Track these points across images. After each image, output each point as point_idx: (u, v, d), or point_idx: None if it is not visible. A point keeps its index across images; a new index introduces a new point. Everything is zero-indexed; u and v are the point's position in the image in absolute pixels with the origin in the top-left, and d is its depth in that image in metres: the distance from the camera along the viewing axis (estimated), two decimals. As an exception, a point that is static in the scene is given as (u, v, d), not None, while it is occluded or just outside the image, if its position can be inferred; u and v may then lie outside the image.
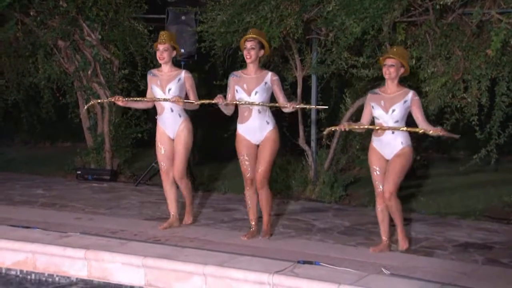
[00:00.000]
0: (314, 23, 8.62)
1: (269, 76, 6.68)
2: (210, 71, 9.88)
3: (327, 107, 7.84)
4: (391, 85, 6.33)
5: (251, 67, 6.71)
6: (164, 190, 7.31)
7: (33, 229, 6.95)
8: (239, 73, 6.81)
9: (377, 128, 6.33)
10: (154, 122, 7.35)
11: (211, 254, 6.17)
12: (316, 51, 8.96)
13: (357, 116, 9.52)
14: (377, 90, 6.45)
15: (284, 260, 5.94)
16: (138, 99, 7.30)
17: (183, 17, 9.56)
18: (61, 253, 6.32)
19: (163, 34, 7.17)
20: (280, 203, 8.57)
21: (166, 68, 7.14)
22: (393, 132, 6.30)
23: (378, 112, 6.33)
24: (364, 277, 5.60)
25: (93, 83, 10.29)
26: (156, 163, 7.57)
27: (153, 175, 10.00)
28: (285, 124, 8.42)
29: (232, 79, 6.79)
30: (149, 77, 7.20)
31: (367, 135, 10.25)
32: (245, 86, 6.67)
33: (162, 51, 7.07)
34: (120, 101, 7.12)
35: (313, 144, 9.35)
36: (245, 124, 6.74)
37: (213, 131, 11.03)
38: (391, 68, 6.27)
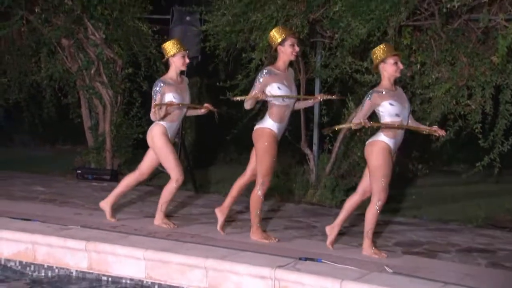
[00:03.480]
0: (319, 24, 8.61)
1: (292, 72, 6.72)
2: (213, 73, 9.85)
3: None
4: (392, 82, 6.20)
5: (287, 64, 6.61)
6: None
7: (33, 222, 6.89)
8: (272, 69, 6.52)
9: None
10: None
11: (212, 249, 6.12)
12: (320, 54, 8.94)
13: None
14: (379, 89, 6.14)
15: (286, 257, 5.89)
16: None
17: (188, 18, 9.54)
18: (62, 245, 6.26)
19: (180, 42, 7.07)
20: (281, 205, 8.54)
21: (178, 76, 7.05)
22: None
23: (398, 108, 6.07)
24: (367, 274, 5.55)
25: (95, 82, 10.26)
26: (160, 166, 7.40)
27: (153, 176, 9.95)
28: (288, 128, 8.37)
29: (267, 77, 6.45)
30: (165, 86, 6.85)
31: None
32: (285, 82, 6.50)
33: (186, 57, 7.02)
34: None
35: (315, 148, 9.31)
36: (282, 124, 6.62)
37: (208, 135, 11.00)
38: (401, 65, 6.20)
